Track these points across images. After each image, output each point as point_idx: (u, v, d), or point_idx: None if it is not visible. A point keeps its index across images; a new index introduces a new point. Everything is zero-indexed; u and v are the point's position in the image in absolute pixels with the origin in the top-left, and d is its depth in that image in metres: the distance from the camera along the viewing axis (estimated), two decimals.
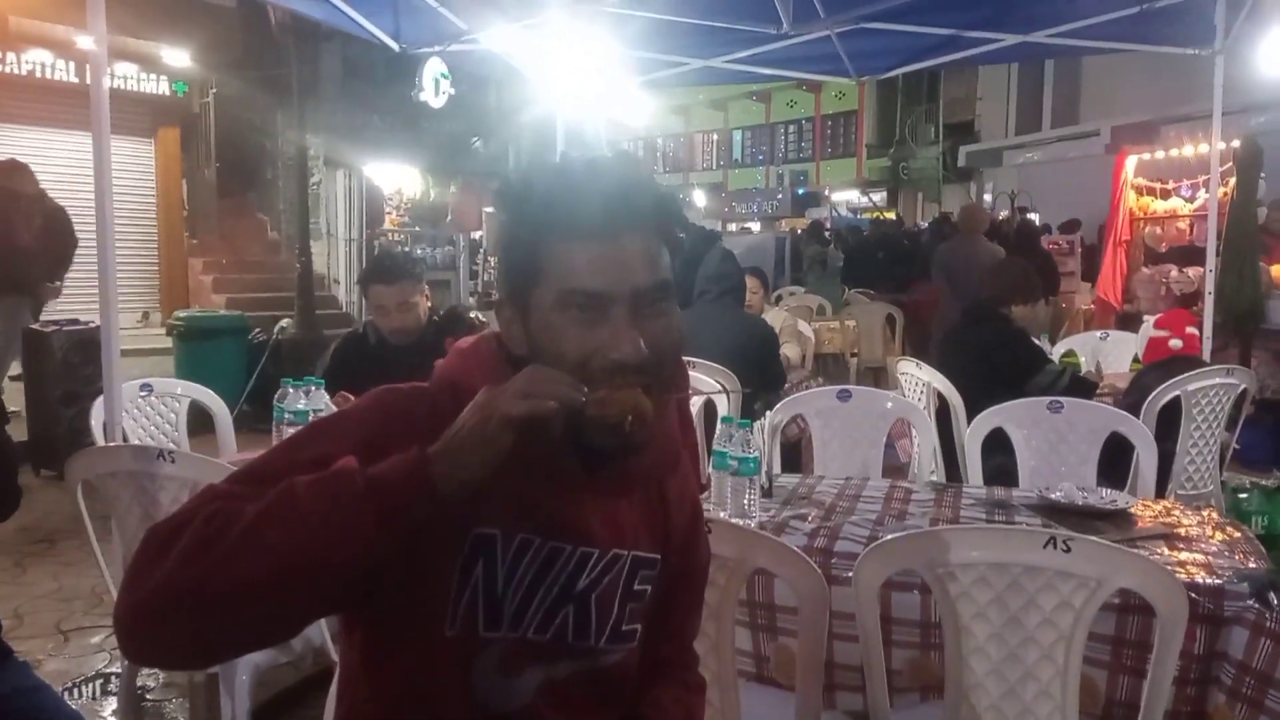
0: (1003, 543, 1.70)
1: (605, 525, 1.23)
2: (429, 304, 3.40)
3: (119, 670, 3.43)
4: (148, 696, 3.35)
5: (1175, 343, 4.62)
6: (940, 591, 1.75)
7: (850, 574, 2.04)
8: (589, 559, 1.22)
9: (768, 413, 3.20)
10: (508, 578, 1.17)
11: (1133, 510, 2.45)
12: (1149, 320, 5.46)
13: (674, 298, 1.18)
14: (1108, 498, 2.56)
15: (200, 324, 8.12)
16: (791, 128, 29.85)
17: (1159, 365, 4.28)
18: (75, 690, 3.43)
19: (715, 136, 32.03)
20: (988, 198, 22.51)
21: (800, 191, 28.10)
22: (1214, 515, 2.45)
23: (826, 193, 27.97)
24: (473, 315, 3.59)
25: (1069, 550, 1.65)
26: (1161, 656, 1.67)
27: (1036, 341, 4.06)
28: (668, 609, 1.34)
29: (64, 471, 2.44)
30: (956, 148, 22.69)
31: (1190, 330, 4.63)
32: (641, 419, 1.09)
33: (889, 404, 3.40)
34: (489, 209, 14.64)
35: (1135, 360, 5.19)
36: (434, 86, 4.90)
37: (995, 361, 3.76)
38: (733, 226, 27.59)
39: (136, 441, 3.42)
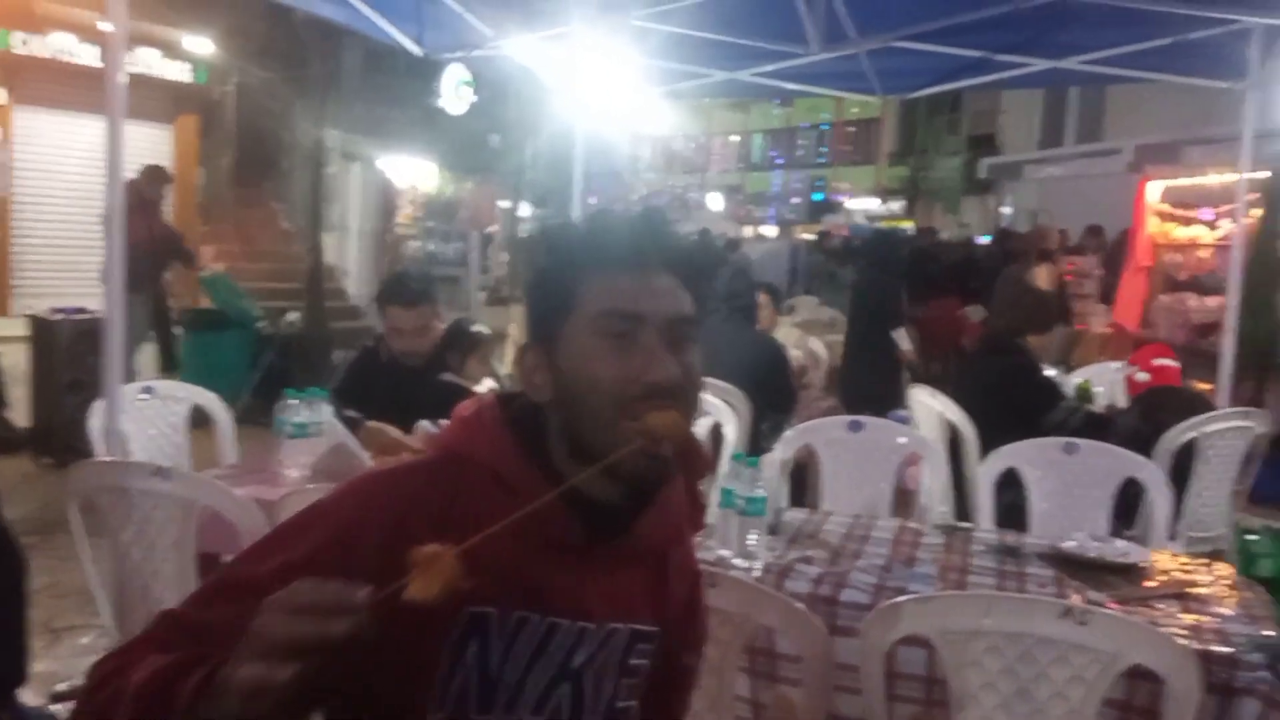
0: (1017, 612, 1.64)
1: (604, 597, 1.18)
2: (441, 325, 3.35)
3: None
4: None
5: (1141, 375, 4.56)
6: (950, 657, 1.69)
7: (855, 624, 2.00)
8: (585, 634, 1.17)
9: (776, 447, 3.15)
10: (503, 657, 1.12)
11: (1145, 565, 2.38)
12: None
13: (697, 338, 1.19)
14: (1120, 549, 2.50)
15: (208, 314, 8.09)
16: (812, 133, 29.81)
17: (1136, 401, 4.21)
18: (65, 694, 3.39)
19: (735, 139, 32.01)
20: (1007, 210, 22.41)
21: (818, 197, 28.04)
22: (1229, 572, 2.38)
23: (844, 199, 27.88)
24: (476, 329, 3.51)
25: (1085, 623, 1.59)
26: None
27: (1050, 372, 3.99)
28: (663, 690, 1.29)
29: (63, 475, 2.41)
30: (977, 159, 22.53)
31: (1160, 362, 4.56)
32: (679, 439, 1.10)
33: (902, 439, 3.33)
34: (503, 203, 14.65)
35: None
36: (454, 92, 4.86)
37: (1009, 395, 3.70)
38: (749, 230, 27.53)
39: (136, 445, 3.39)
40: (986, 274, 11.52)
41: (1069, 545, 2.48)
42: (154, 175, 8.00)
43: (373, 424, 3.04)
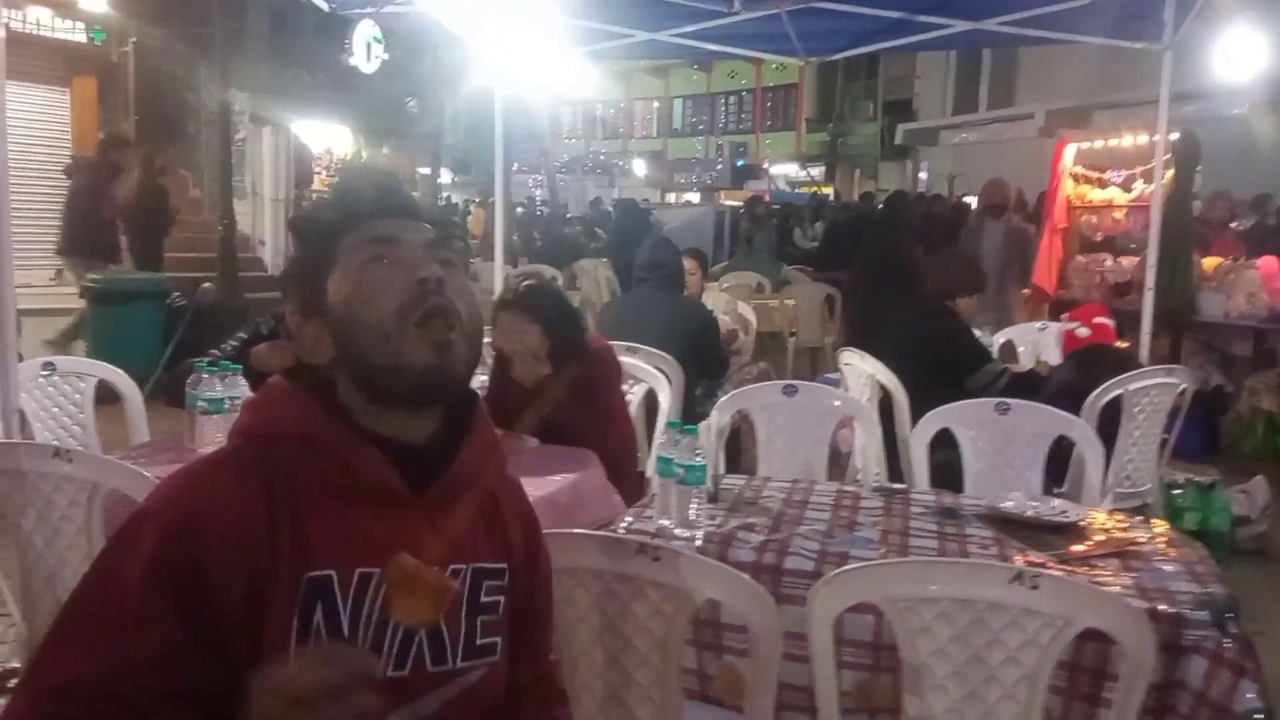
0: (966, 577, 1.61)
1: (441, 540, 1.16)
2: None
3: (19, 665, 3.24)
4: None
5: (1082, 331, 4.65)
6: (900, 625, 1.65)
7: (800, 591, 1.96)
8: None
9: (714, 413, 3.10)
10: (353, 618, 1.11)
11: (1083, 524, 2.39)
12: (1064, 318, 5.51)
13: (468, 276, 1.26)
14: (1058, 508, 2.50)
15: (117, 286, 7.73)
16: (733, 99, 29.80)
17: (1071, 356, 4.28)
18: None
19: (656, 105, 31.86)
20: (923, 176, 22.75)
21: (740, 164, 28.10)
22: (1166, 528, 2.40)
23: (765, 165, 27.99)
24: None
25: (1036, 587, 1.56)
26: (1127, 698, 1.61)
27: (979, 335, 4.02)
28: (521, 631, 1.31)
29: None
30: (894, 125, 22.85)
31: (1099, 320, 4.67)
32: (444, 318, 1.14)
33: (836, 401, 3.31)
34: (423, 169, 14.34)
35: None
36: (366, 50, 4.67)
37: (940, 357, 3.71)
38: (671, 197, 27.49)
39: (39, 425, 3.19)
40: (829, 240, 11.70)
41: (1007, 505, 2.47)
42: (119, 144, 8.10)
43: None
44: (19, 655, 3.11)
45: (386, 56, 4.80)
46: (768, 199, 16.73)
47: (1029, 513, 2.44)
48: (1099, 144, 7.91)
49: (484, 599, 1.24)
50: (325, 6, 4.46)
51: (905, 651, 1.67)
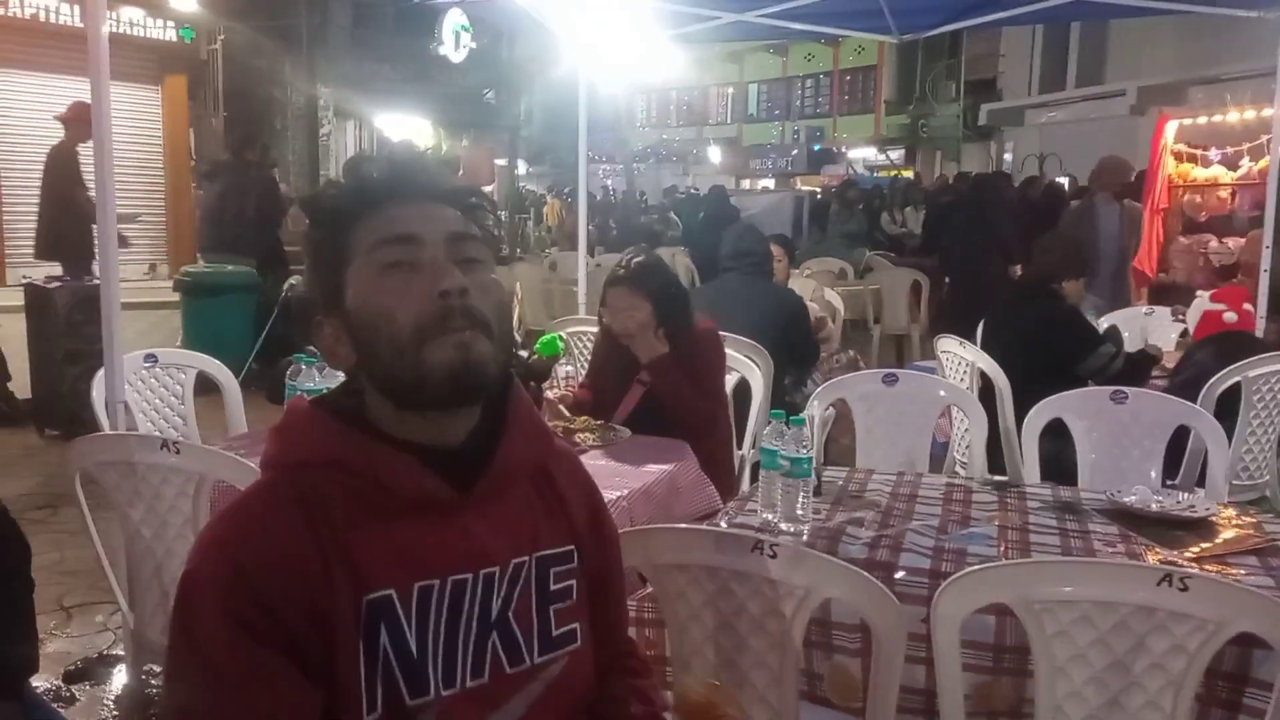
0: (1112, 579, 1.51)
1: (498, 536, 1.13)
2: None
3: (123, 653, 3.31)
4: (153, 683, 3.21)
5: (1230, 316, 4.41)
6: (1035, 629, 1.56)
7: (915, 590, 1.88)
8: (493, 579, 1.12)
9: (814, 403, 3.01)
10: (419, 635, 1.07)
11: (1215, 519, 2.25)
12: (1203, 295, 5.23)
13: (494, 262, 1.16)
14: (1184, 502, 2.37)
15: (209, 279, 7.90)
16: (809, 82, 29.35)
17: (1210, 340, 4.07)
18: (79, 673, 3.29)
19: (731, 90, 31.54)
20: (1008, 157, 22.14)
21: (816, 148, 27.69)
22: None
23: (843, 150, 27.54)
24: None
25: (1186, 589, 1.46)
26: None
27: (1090, 319, 3.86)
28: (599, 606, 1.26)
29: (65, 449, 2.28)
30: (977, 106, 22.28)
31: (1246, 306, 4.42)
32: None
33: (941, 391, 3.19)
34: (500, 161, 14.42)
35: (1184, 335, 4.97)
36: (454, 40, 4.66)
37: (1048, 342, 3.57)
38: (746, 183, 27.22)
39: (141, 416, 3.25)
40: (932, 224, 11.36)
41: (1131, 500, 2.34)
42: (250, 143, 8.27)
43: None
44: (123, 643, 3.19)
45: (474, 45, 4.79)
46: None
47: (1154, 507, 2.32)
48: (1202, 120, 7.56)
49: (554, 587, 1.18)
50: None
51: (1040, 656, 1.58)
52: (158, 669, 3.22)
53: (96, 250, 3.08)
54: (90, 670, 3.31)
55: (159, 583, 2.29)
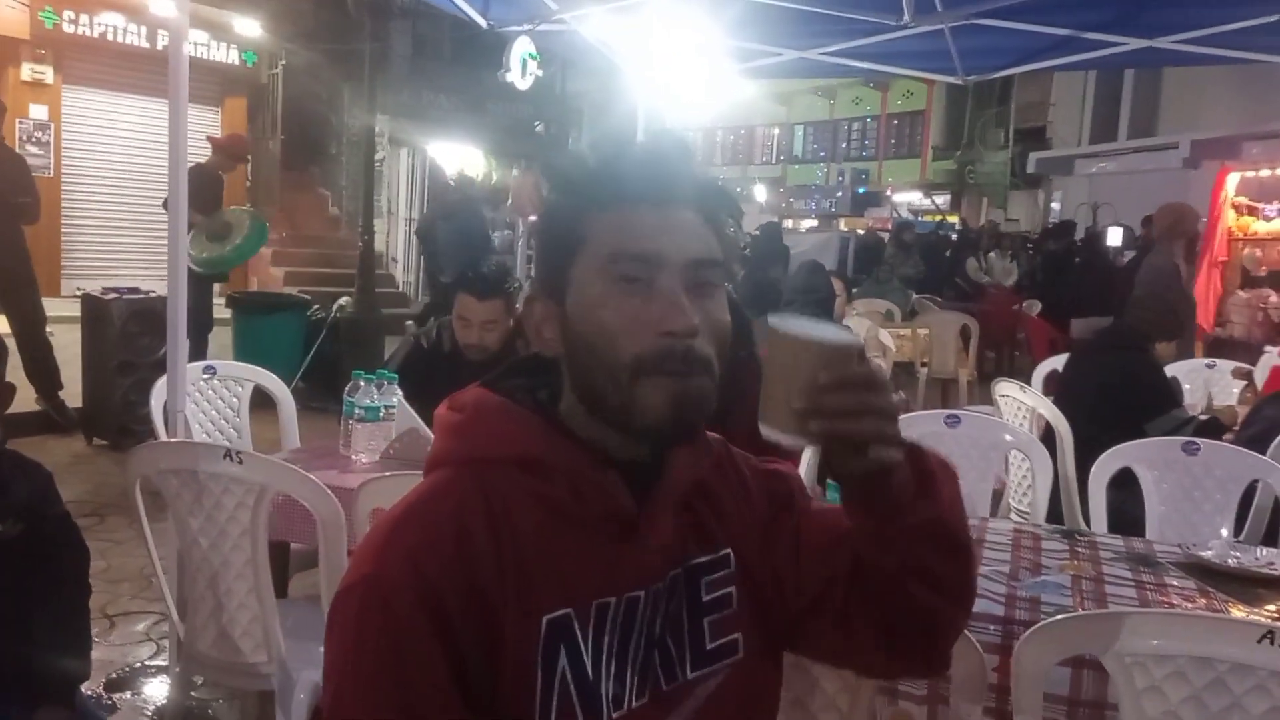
0: (1209, 634, 1.44)
1: (662, 549, 1.06)
2: (514, 323, 3.13)
3: (165, 663, 3.30)
4: (192, 694, 3.19)
5: None
6: (1124, 683, 1.49)
7: (988, 638, 1.81)
8: (660, 595, 1.06)
9: None
10: (595, 656, 1.01)
11: None
12: (1271, 350, 5.12)
13: (724, 282, 1.06)
14: (1264, 559, 2.28)
15: (261, 299, 8.03)
16: (855, 125, 29.37)
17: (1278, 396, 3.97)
18: (120, 682, 3.28)
19: (777, 131, 31.61)
20: (1056, 206, 21.98)
21: (861, 190, 27.64)
22: None
23: (888, 193, 27.48)
24: None
25: None
26: None
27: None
28: (762, 607, 1.15)
29: (124, 461, 2.28)
30: (1026, 153, 22.15)
31: None
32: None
33: (1006, 436, 3.12)
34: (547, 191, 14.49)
35: (1247, 389, 4.85)
36: (521, 67, 4.69)
37: (1126, 395, 3.49)
38: (789, 223, 27.23)
39: (197, 426, 3.26)
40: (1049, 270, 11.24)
41: (1208, 554, 2.26)
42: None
43: None
44: (167, 653, 3.19)
45: (540, 73, 4.82)
46: (889, 227, 16.32)
47: (1232, 563, 2.24)
48: (1265, 173, 7.47)
49: (705, 598, 1.10)
50: (484, 23, 4.51)
51: (1128, 713, 1.51)
52: (199, 680, 3.21)
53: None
54: (131, 679, 3.31)
55: (213, 593, 2.28)
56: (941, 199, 27.07)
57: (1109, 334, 3.87)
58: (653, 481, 1.05)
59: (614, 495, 1.02)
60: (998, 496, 3.80)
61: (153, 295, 6.10)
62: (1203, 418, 3.63)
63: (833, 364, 0.93)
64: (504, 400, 1.05)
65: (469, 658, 0.95)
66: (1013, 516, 3.60)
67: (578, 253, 1.02)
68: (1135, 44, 4.61)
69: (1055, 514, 3.43)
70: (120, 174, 11.23)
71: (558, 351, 1.05)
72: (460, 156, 13.91)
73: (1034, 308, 10.43)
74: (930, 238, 14.82)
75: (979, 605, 1.94)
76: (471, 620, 0.95)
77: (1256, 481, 2.95)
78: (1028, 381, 4.45)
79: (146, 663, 3.41)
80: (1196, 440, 2.97)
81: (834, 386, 0.92)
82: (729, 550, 1.13)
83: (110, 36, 10.63)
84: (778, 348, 0.95)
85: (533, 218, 13.87)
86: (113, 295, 6.10)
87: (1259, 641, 1.41)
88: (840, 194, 28.32)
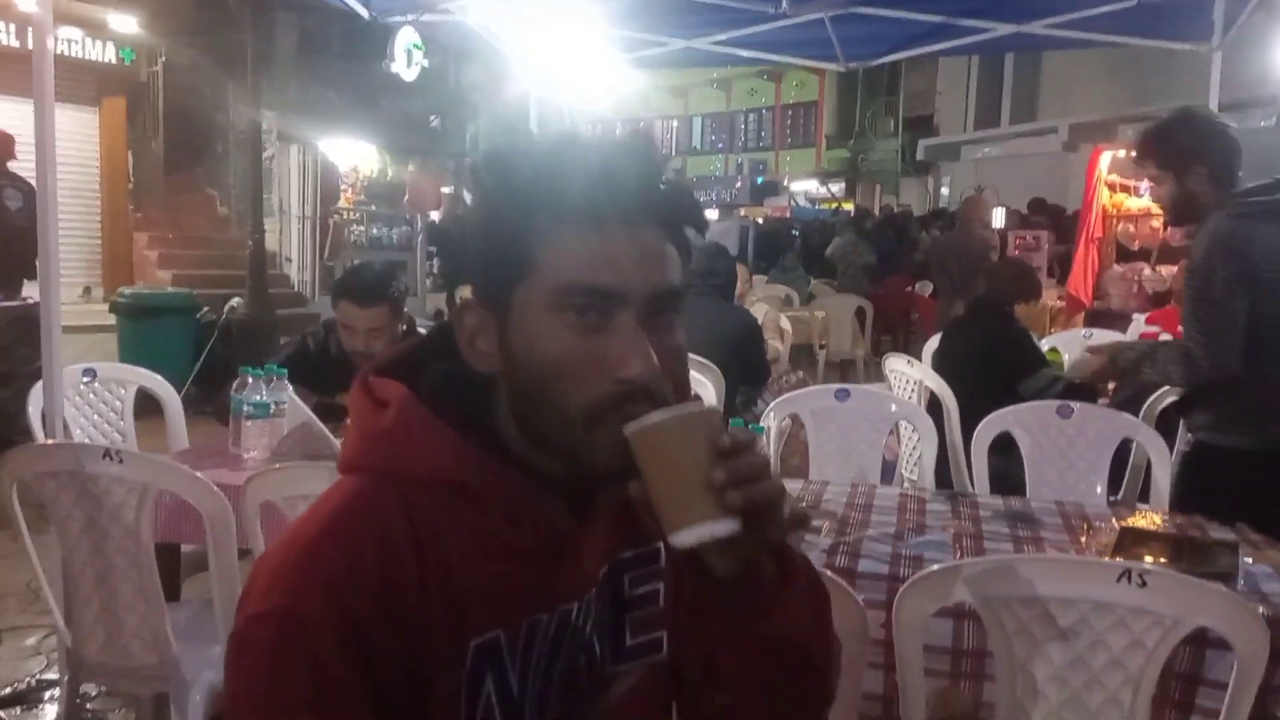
0: (1071, 575, 1.53)
1: (590, 557, 1.01)
2: (403, 326, 2.98)
3: (56, 676, 3.19)
4: (88, 706, 3.09)
5: (1166, 337, 4.53)
6: (995, 627, 1.57)
7: (874, 595, 1.88)
8: (590, 599, 1.01)
9: (770, 416, 3.02)
10: (522, 674, 0.96)
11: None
12: (1139, 318, 5.38)
13: (679, 310, 0.96)
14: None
15: (146, 301, 7.74)
16: (751, 116, 29.77)
17: None
18: (11, 699, 3.16)
19: (675, 123, 31.83)
20: (945, 191, 22.64)
21: (759, 180, 28.03)
22: (1253, 535, 2.30)
23: (786, 182, 27.92)
24: None
25: (1144, 585, 1.48)
26: (1237, 699, 1.52)
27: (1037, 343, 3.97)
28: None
29: None
30: (915, 141, 22.76)
31: (1181, 329, 4.55)
32: None
33: (893, 406, 3.23)
34: (446, 189, 14.37)
35: None
36: (406, 58, 4.63)
37: (996, 361, 3.66)
38: None
39: (79, 432, 3.15)
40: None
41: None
42: None
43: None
44: (59, 665, 3.08)
45: (426, 64, 4.76)
46: (788, 215, 16.60)
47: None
48: (1134, 153, 7.80)
49: (632, 592, 1.05)
50: (365, 14, 4.44)
51: (1000, 655, 1.59)
52: (94, 691, 3.11)
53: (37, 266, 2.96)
54: (23, 696, 3.20)
55: (99, 597, 2.21)
56: (837, 187, 27.63)
57: (975, 305, 4.05)
58: (593, 496, 0.98)
59: (553, 519, 0.96)
60: (892, 468, 3.94)
61: (29, 302, 5.86)
62: (1077, 380, 3.81)
63: (713, 429, 0.86)
64: (432, 416, 0.94)
65: (392, 688, 0.88)
66: (905, 485, 3.73)
67: (523, 274, 0.91)
68: (1005, 29, 4.80)
69: (945, 479, 3.57)
70: None
71: (493, 369, 0.95)
72: (353, 152, 13.66)
73: (926, 289, 10.74)
74: (815, 224, 15.19)
75: (867, 566, 2.03)
76: (396, 651, 0.88)
77: (1129, 442, 3.11)
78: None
79: (39, 677, 3.30)
80: (1071, 404, 3.11)
81: (739, 447, 0.85)
82: (660, 545, 1.06)
83: None
84: (646, 446, 0.86)
85: (433, 214, 13.73)
86: None
87: (1117, 580, 1.50)
88: (739, 184, 28.67)
